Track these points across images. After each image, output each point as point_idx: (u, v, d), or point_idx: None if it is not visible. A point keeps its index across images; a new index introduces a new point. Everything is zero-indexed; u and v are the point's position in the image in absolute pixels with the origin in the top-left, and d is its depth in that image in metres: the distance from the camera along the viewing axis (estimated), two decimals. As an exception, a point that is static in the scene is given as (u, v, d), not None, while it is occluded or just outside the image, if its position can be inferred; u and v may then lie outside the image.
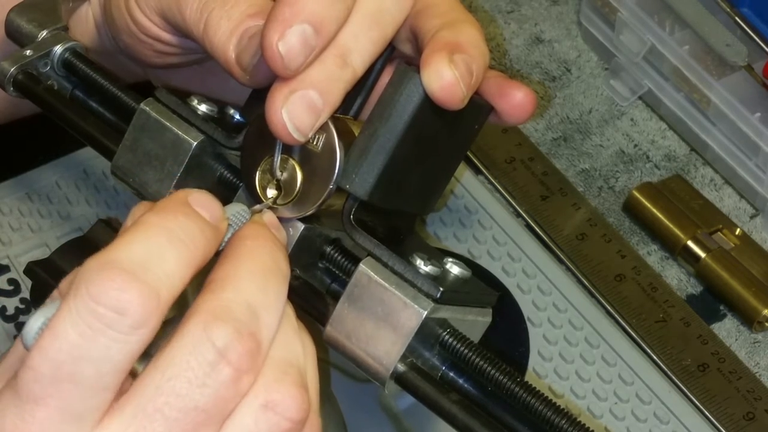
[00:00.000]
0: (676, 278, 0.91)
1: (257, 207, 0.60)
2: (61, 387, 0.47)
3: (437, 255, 0.61)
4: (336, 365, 0.82)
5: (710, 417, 0.84)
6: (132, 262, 0.48)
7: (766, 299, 0.88)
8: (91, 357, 0.47)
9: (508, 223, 0.92)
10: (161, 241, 0.49)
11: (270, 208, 0.62)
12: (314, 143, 0.61)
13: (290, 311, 0.54)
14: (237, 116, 0.68)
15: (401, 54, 0.67)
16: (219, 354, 0.49)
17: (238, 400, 0.50)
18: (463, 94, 0.61)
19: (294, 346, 0.53)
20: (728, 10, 0.96)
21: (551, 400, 0.58)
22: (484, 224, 0.92)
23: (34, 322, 0.49)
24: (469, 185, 0.94)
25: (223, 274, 0.51)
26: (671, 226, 0.92)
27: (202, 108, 0.67)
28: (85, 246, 0.79)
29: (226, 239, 0.54)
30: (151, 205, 0.52)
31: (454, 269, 0.61)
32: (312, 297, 0.63)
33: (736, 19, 0.96)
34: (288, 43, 0.59)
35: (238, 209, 0.57)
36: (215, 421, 0.49)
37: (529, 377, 0.84)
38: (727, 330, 0.89)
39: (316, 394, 0.54)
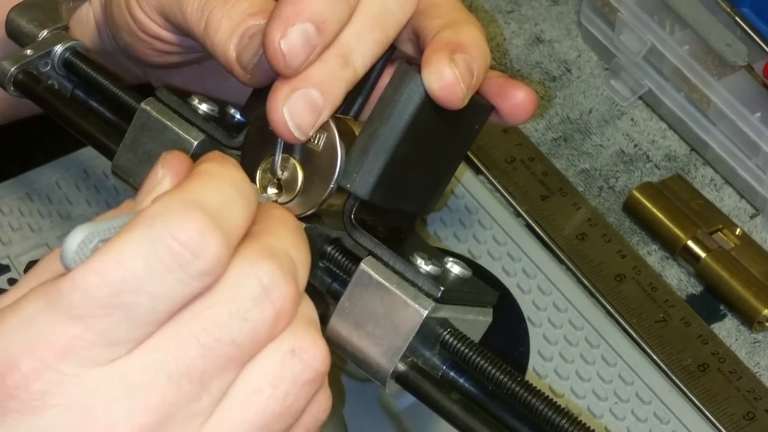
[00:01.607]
0: (676, 278, 0.91)
1: (265, 195, 0.61)
2: (110, 313, 0.46)
3: (438, 255, 0.61)
4: (336, 364, 0.82)
5: (710, 417, 0.84)
6: (212, 207, 0.47)
7: (766, 299, 0.88)
8: (152, 292, 0.46)
9: (508, 223, 0.92)
10: (232, 193, 0.49)
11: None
12: (315, 142, 0.61)
13: None
14: (237, 116, 0.68)
15: (402, 54, 0.67)
16: (264, 291, 0.49)
17: (269, 342, 0.49)
18: (463, 94, 0.61)
19: (314, 312, 0.53)
20: (728, 10, 0.96)
21: (552, 399, 0.58)
22: (484, 224, 0.92)
23: (76, 236, 0.47)
24: (469, 185, 0.94)
25: (262, 228, 0.51)
26: (671, 226, 0.92)
27: (203, 107, 0.67)
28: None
29: None
30: (183, 155, 0.52)
31: (455, 269, 0.61)
32: (312, 297, 0.63)
33: (736, 19, 0.96)
34: (290, 41, 0.59)
35: (255, 188, 0.57)
36: (245, 359, 0.49)
37: (530, 377, 0.84)
38: (727, 330, 0.89)
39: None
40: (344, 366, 0.82)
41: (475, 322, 0.62)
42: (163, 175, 0.51)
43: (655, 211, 0.93)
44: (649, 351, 0.87)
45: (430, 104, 0.61)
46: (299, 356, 0.50)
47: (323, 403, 0.53)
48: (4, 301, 0.49)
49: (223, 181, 0.49)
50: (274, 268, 0.49)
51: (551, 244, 0.92)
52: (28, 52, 0.73)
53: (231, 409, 0.49)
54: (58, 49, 0.73)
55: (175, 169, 0.51)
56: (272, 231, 0.51)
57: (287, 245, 0.51)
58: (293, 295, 0.49)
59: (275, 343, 0.50)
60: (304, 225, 0.62)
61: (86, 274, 0.46)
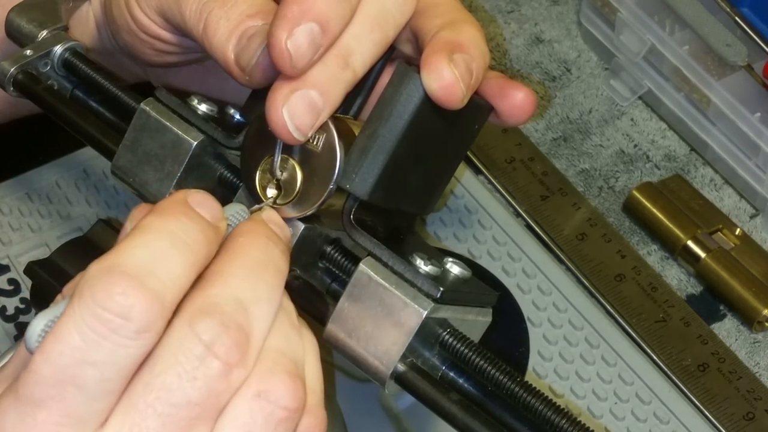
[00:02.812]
0: (676, 278, 0.91)
1: (256, 207, 0.60)
2: (64, 390, 0.47)
3: (437, 255, 0.61)
4: (336, 365, 0.82)
5: (710, 417, 0.84)
6: (136, 266, 0.48)
7: (766, 299, 0.88)
8: (95, 361, 0.47)
9: (508, 223, 0.92)
10: (164, 245, 0.49)
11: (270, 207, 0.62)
12: (314, 143, 0.61)
13: (289, 306, 0.54)
14: (237, 116, 0.68)
15: (402, 54, 0.67)
16: (206, 348, 0.49)
17: (232, 392, 0.50)
18: (462, 94, 0.61)
19: (290, 340, 0.53)
20: (728, 10, 0.96)
21: (551, 399, 0.58)
22: (484, 224, 0.92)
23: (37, 324, 0.49)
24: (469, 185, 0.94)
25: (213, 269, 0.51)
26: (671, 226, 0.92)
27: (202, 108, 0.67)
28: (85, 246, 0.79)
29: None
30: (151, 208, 0.52)
31: (454, 269, 0.61)
32: (312, 297, 0.63)
33: (736, 19, 0.96)
34: (296, 41, 0.59)
35: (237, 209, 0.57)
36: (209, 416, 0.49)
37: (529, 377, 0.84)
38: (727, 330, 0.89)
39: (320, 387, 0.54)
40: (337, 364, 0.82)
41: (474, 322, 0.62)
42: (129, 230, 0.52)
43: (655, 211, 0.93)
44: (649, 351, 0.87)
45: (429, 104, 0.61)
46: (266, 399, 0.50)
47: (313, 428, 0.53)
48: None
49: (157, 236, 0.49)
50: (212, 324, 0.49)
51: (551, 244, 0.92)
52: (28, 52, 0.73)
53: None
54: (58, 49, 0.73)
55: None
56: (222, 274, 0.51)
57: (236, 288, 0.51)
58: (238, 345, 0.49)
59: (241, 390, 0.50)
60: (303, 226, 0.62)
61: (35, 358, 0.48)
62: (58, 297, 0.52)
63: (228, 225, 0.54)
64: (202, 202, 0.52)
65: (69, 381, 0.47)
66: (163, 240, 0.49)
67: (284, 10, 0.59)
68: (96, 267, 0.48)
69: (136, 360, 0.48)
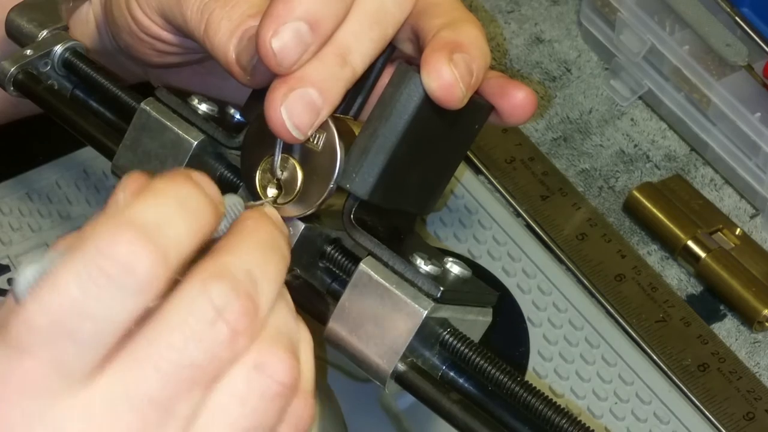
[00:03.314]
0: (676, 278, 0.91)
1: (252, 203, 0.60)
2: (56, 341, 0.46)
3: (437, 255, 0.61)
4: (336, 365, 0.82)
5: (710, 417, 0.84)
6: (145, 222, 0.47)
7: (766, 299, 0.88)
8: (92, 314, 0.46)
9: (508, 223, 0.92)
10: (172, 207, 0.48)
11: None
12: (314, 142, 0.61)
13: (287, 295, 0.54)
14: (237, 116, 0.68)
15: (402, 54, 0.67)
16: (217, 312, 0.48)
17: (232, 361, 0.49)
18: (462, 94, 0.61)
19: (288, 323, 0.52)
20: (728, 10, 0.96)
21: (551, 399, 0.58)
22: (484, 224, 0.92)
23: (28, 272, 0.47)
24: (469, 185, 0.94)
25: (223, 244, 0.51)
26: (671, 226, 0.92)
27: (203, 108, 0.67)
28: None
29: (221, 228, 0.54)
30: (146, 175, 0.51)
31: (455, 269, 0.61)
32: (312, 296, 0.63)
33: (736, 19, 0.96)
34: (281, 39, 0.59)
35: (234, 200, 0.56)
36: (207, 381, 0.49)
37: (529, 377, 0.84)
38: (727, 330, 0.89)
39: (312, 377, 0.54)
40: (337, 364, 0.82)
41: (474, 322, 0.62)
42: (123, 197, 0.51)
43: (655, 211, 0.93)
44: (649, 351, 0.87)
45: (429, 104, 0.61)
46: (263, 371, 0.50)
47: (303, 412, 0.52)
48: None
49: (165, 197, 0.49)
50: (225, 288, 0.49)
51: (551, 244, 0.92)
52: (28, 52, 0.73)
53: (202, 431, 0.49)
54: (58, 49, 0.73)
55: (134, 190, 0.51)
56: (234, 247, 0.51)
57: (248, 261, 0.50)
58: (249, 313, 0.49)
59: (240, 360, 0.50)
60: (303, 225, 0.62)
61: (27, 305, 0.46)
62: (50, 249, 0.50)
63: (224, 215, 0.54)
64: (204, 181, 0.51)
65: (63, 332, 0.46)
66: (171, 203, 0.48)
67: (271, 9, 0.60)
68: (102, 219, 0.47)
69: (132, 316, 0.47)
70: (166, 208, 0.48)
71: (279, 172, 0.62)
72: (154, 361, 0.47)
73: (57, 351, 0.46)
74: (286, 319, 0.52)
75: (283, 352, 0.51)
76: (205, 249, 0.50)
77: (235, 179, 0.66)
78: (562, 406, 0.58)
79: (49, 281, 0.46)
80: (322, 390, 0.55)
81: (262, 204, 0.61)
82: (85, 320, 0.46)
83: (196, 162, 0.66)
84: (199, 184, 0.50)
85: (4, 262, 0.90)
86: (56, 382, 0.46)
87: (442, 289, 0.59)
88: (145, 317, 0.48)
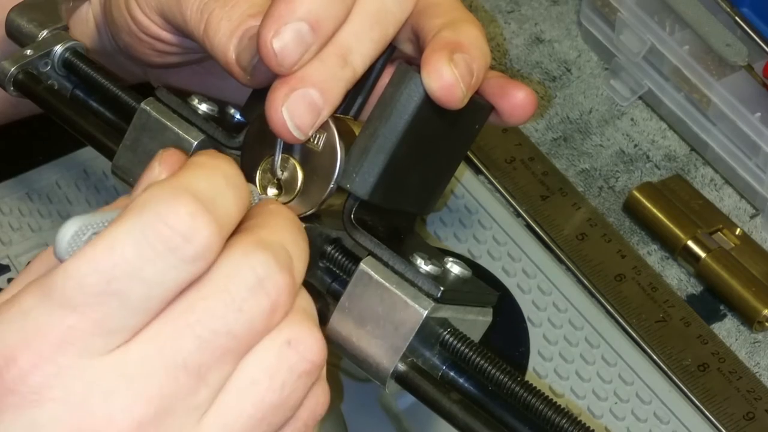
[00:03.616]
0: (676, 278, 0.91)
1: (263, 196, 0.61)
2: (104, 301, 0.46)
3: (437, 254, 0.61)
4: (336, 365, 0.82)
5: (710, 417, 0.84)
6: (202, 192, 0.47)
7: (766, 299, 0.88)
8: (144, 278, 0.46)
9: (508, 223, 0.92)
10: (221, 182, 0.49)
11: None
12: (315, 142, 0.61)
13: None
14: (237, 116, 0.68)
15: (402, 54, 0.67)
16: (259, 281, 0.48)
17: (265, 334, 0.49)
18: (462, 94, 0.61)
19: (312, 305, 0.53)
20: (728, 10, 0.96)
21: (552, 399, 0.58)
22: (484, 224, 0.92)
23: (69, 227, 0.47)
24: (469, 185, 0.94)
25: (255, 222, 0.51)
26: (671, 226, 0.92)
27: (203, 108, 0.67)
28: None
29: None
30: (179, 152, 0.52)
31: (455, 269, 0.61)
32: (312, 296, 0.63)
33: (736, 19, 0.96)
34: (282, 40, 0.59)
35: (252, 188, 0.57)
36: (241, 351, 0.49)
37: (530, 377, 0.84)
38: (727, 330, 0.89)
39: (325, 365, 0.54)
40: (341, 364, 0.82)
41: (475, 322, 0.62)
42: (160, 171, 0.51)
43: (655, 211, 0.93)
44: (649, 351, 0.87)
45: (429, 104, 0.61)
46: (295, 347, 0.50)
47: (321, 397, 0.53)
48: (0, 299, 0.49)
49: (214, 172, 0.49)
50: (268, 259, 0.49)
51: (551, 244, 0.92)
52: (28, 52, 0.73)
53: (229, 402, 0.49)
54: (58, 49, 0.73)
55: (171, 165, 0.51)
56: (268, 224, 0.51)
57: (283, 238, 0.51)
58: (289, 286, 0.49)
59: (272, 334, 0.50)
60: (304, 225, 0.62)
61: (78, 263, 0.46)
62: (104, 209, 0.50)
63: None
64: (232, 162, 0.52)
65: (113, 293, 0.46)
66: (220, 177, 0.49)
67: (272, 9, 0.60)
68: (161, 186, 0.47)
69: (182, 285, 0.47)
70: (218, 181, 0.49)
71: (279, 172, 0.62)
72: (193, 326, 0.48)
73: (104, 311, 0.46)
74: (309, 301, 0.53)
75: (315, 329, 0.51)
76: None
77: (236, 179, 0.66)
78: (562, 406, 0.57)
79: (105, 242, 0.46)
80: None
81: (275, 199, 0.62)
82: (137, 283, 0.46)
83: (197, 162, 0.66)
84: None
85: (4, 262, 0.90)
86: (96, 341, 0.47)
87: (442, 289, 0.59)
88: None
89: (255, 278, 0.48)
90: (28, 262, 0.77)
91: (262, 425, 0.50)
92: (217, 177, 0.49)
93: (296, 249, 0.51)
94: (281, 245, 0.50)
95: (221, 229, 0.47)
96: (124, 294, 0.46)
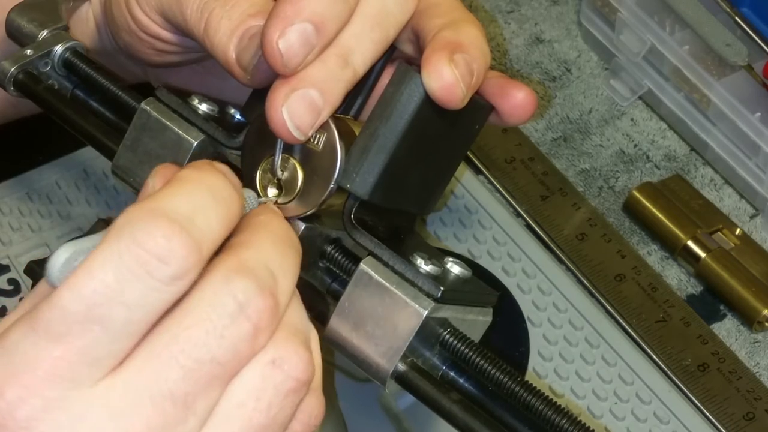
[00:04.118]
0: (676, 278, 0.91)
1: (264, 198, 0.61)
2: (88, 328, 0.46)
3: (438, 255, 0.61)
4: (336, 365, 0.82)
5: (710, 417, 0.84)
6: (179, 212, 0.47)
7: (766, 299, 0.88)
8: (125, 302, 0.46)
9: (508, 223, 0.92)
10: (205, 197, 0.49)
11: (271, 207, 0.62)
12: (315, 142, 0.61)
13: (297, 293, 0.54)
14: (237, 116, 0.68)
15: (402, 54, 0.67)
16: (240, 307, 0.48)
17: (251, 357, 0.49)
18: (463, 94, 0.61)
19: (303, 319, 0.53)
20: (728, 10, 0.96)
21: (551, 399, 0.58)
22: (484, 224, 0.92)
23: (61, 254, 0.48)
24: (469, 185, 0.94)
25: (240, 239, 0.51)
26: (671, 226, 0.92)
27: (203, 107, 0.67)
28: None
29: None
30: (175, 167, 0.52)
31: (455, 269, 0.61)
32: (312, 297, 0.63)
33: (736, 19, 0.96)
34: (288, 40, 0.59)
35: (249, 194, 0.57)
36: (227, 377, 0.49)
37: (529, 377, 0.84)
38: (727, 330, 0.89)
39: (320, 374, 0.54)
40: (335, 361, 0.82)
41: (475, 322, 0.62)
42: (153, 186, 0.51)
43: (655, 211, 0.93)
44: (649, 351, 0.87)
45: (430, 104, 0.61)
46: (280, 367, 0.50)
47: (314, 409, 0.53)
48: None
49: (196, 187, 0.49)
50: (248, 284, 0.49)
51: (551, 244, 0.92)
52: (28, 52, 0.73)
53: (217, 427, 0.49)
54: (58, 49, 0.73)
55: (165, 180, 0.51)
56: (252, 242, 0.51)
57: (267, 257, 0.51)
58: (270, 309, 0.49)
59: (257, 356, 0.50)
60: (304, 225, 0.62)
61: (61, 292, 0.47)
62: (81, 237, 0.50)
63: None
64: (227, 171, 0.52)
65: (96, 319, 0.46)
66: (203, 192, 0.49)
67: (278, 9, 0.60)
68: (138, 208, 0.47)
69: (164, 306, 0.47)
70: (199, 197, 0.49)
71: (279, 172, 0.62)
72: (176, 356, 0.48)
73: (88, 338, 0.46)
74: (300, 315, 0.53)
75: (299, 347, 0.51)
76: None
77: (236, 179, 0.66)
78: (562, 406, 0.57)
79: (85, 269, 0.47)
80: (324, 391, 0.55)
81: (273, 201, 0.61)
82: (118, 307, 0.46)
83: (197, 162, 0.66)
84: (225, 174, 0.50)
85: (4, 262, 0.90)
86: (83, 371, 0.47)
87: (442, 289, 0.59)
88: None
89: (235, 304, 0.48)
90: (29, 263, 0.78)
91: None
92: (198, 193, 0.49)
93: (282, 265, 0.51)
94: (264, 266, 0.50)
95: (200, 248, 0.47)
96: (106, 319, 0.46)
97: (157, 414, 0.47)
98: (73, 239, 0.49)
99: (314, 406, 0.53)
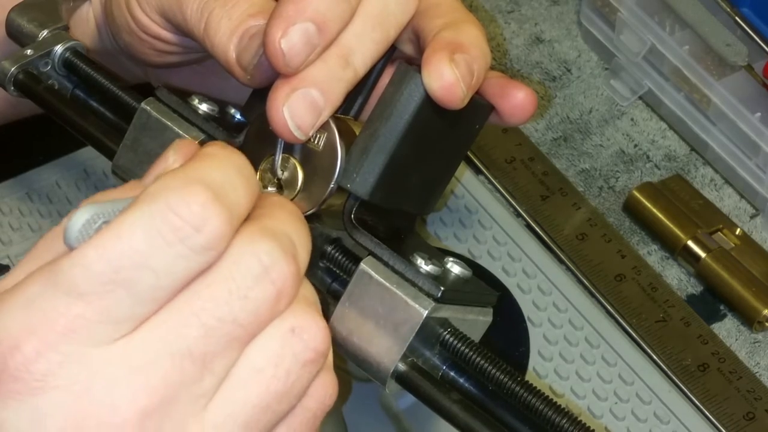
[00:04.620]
0: (676, 278, 0.91)
1: (266, 190, 0.61)
2: (112, 290, 0.46)
3: (438, 254, 0.61)
4: (336, 365, 0.81)
5: (710, 417, 0.84)
6: (215, 184, 0.47)
7: (766, 299, 0.88)
8: (153, 267, 0.46)
9: (508, 223, 0.92)
10: (233, 172, 0.49)
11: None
12: (315, 142, 0.61)
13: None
14: (238, 116, 0.68)
15: (403, 54, 0.67)
16: (264, 269, 0.48)
17: (270, 321, 0.49)
18: (463, 94, 0.61)
19: (314, 294, 0.53)
20: (728, 10, 0.96)
21: (552, 399, 0.58)
22: (484, 224, 0.92)
23: (81, 215, 0.47)
24: (469, 185, 0.94)
25: (260, 212, 0.51)
26: (671, 226, 0.92)
27: (203, 107, 0.67)
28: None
29: None
30: (194, 143, 0.52)
31: (455, 269, 0.61)
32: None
33: (736, 19, 0.96)
34: (290, 40, 0.59)
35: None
36: (246, 339, 0.49)
37: (530, 377, 0.84)
38: (727, 330, 0.89)
39: (331, 357, 0.54)
40: (344, 365, 0.82)
41: (475, 322, 0.62)
42: (174, 160, 0.51)
43: (655, 211, 0.93)
44: (649, 351, 0.87)
45: (430, 104, 0.61)
46: (299, 335, 0.50)
47: (329, 387, 0.52)
48: (4, 285, 0.49)
49: (226, 162, 0.49)
50: (273, 247, 0.49)
51: (551, 244, 0.92)
52: (29, 52, 0.73)
53: (233, 390, 0.49)
54: (58, 49, 0.73)
55: (186, 155, 0.51)
56: (272, 214, 0.51)
57: (287, 227, 0.50)
58: (294, 274, 0.49)
59: (276, 322, 0.49)
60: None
61: (86, 251, 0.46)
62: (112, 192, 0.50)
63: None
64: (241, 153, 0.52)
65: (121, 282, 0.46)
66: (231, 168, 0.49)
67: (280, 9, 0.60)
68: (173, 175, 0.47)
69: (192, 274, 0.47)
70: (229, 172, 0.49)
71: (280, 172, 0.62)
72: (198, 314, 0.47)
73: (111, 300, 0.46)
74: (312, 291, 0.53)
75: (318, 318, 0.51)
76: None
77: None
78: (562, 406, 0.57)
79: (113, 231, 0.46)
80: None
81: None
82: (146, 272, 0.46)
83: (197, 162, 0.66)
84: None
85: (4, 262, 0.90)
86: (102, 330, 0.46)
87: (442, 289, 0.59)
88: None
89: (260, 266, 0.48)
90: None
91: (267, 413, 0.50)
92: (228, 167, 0.49)
93: (300, 239, 0.51)
94: (286, 234, 0.50)
95: (232, 219, 0.47)
96: (132, 283, 0.46)
97: (174, 370, 0.47)
98: (95, 203, 0.48)
99: (329, 383, 0.52)
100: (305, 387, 0.51)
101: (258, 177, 0.63)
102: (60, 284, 0.46)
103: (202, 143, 0.66)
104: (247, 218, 0.50)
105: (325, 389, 0.52)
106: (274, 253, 0.49)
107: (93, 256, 0.46)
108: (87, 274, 0.46)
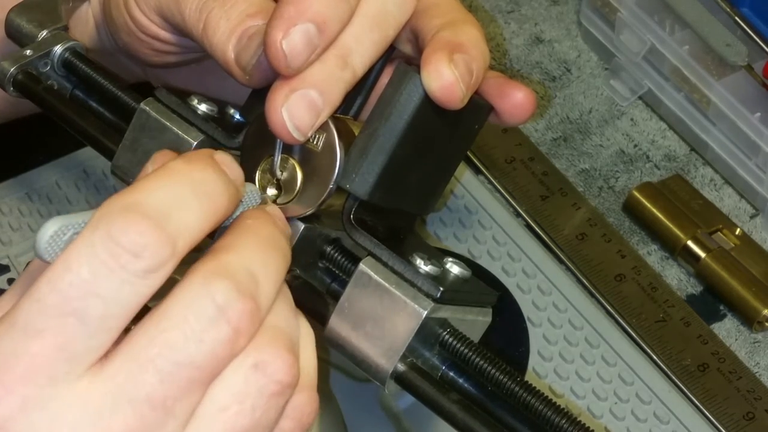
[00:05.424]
0: (676, 278, 0.91)
1: (264, 195, 0.61)
2: (65, 322, 0.46)
3: (437, 255, 0.61)
4: (336, 365, 0.82)
5: (710, 417, 0.84)
6: (155, 208, 0.47)
7: (766, 299, 0.88)
8: (101, 295, 0.46)
9: (508, 223, 0.92)
10: (186, 191, 0.49)
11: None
12: (314, 143, 0.61)
13: (288, 293, 0.54)
14: (237, 116, 0.68)
15: (402, 54, 0.67)
16: (219, 310, 0.48)
17: (230, 360, 0.49)
18: (462, 94, 0.61)
19: (288, 320, 0.52)
20: (728, 10, 0.96)
21: (551, 399, 0.58)
22: (484, 224, 0.92)
23: (48, 228, 0.48)
24: (469, 185, 0.94)
25: (224, 243, 0.51)
26: (671, 226, 0.92)
27: (202, 108, 0.67)
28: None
29: (234, 215, 0.54)
30: (175, 154, 0.52)
31: (454, 269, 0.61)
32: (312, 297, 0.63)
33: (736, 19, 0.96)
34: (292, 41, 0.59)
35: (251, 188, 0.57)
36: (207, 380, 0.49)
37: (529, 377, 0.84)
38: (727, 330, 0.89)
39: (314, 372, 0.54)
40: (337, 364, 0.82)
41: (474, 322, 0.62)
42: (152, 172, 0.51)
43: (655, 211, 0.93)
44: (649, 351, 0.87)
45: (429, 104, 0.61)
46: (262, 370, 0.50)
47: (306, 407, 0.53)
48: None
49: (178, 181, 0.49)
50: (228, 287, 0.49)
51: (551, 244, 0.92)
52: (28, 52, 0.73)
53: (200, 430, 0.49)
54: (58, 49, 0.73)
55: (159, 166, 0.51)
56: (235, 246, 0.51)
57: (249, 260, 0.50)
58: (250, 312, 0.49)
59: (238, 359, 0.50)
60: (303, 225, 0.62)
61: (39, 285, 0.47)
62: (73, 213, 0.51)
63: (240, 200, 0.54)
64: (227, 162, 0.52)
65: (72, 312, 0.46)
66: (186, 186, 0.49)
67: (281, 10, 0.60)
68: (115, 201, 0.48)
69: (140, 300, 0.47)
70: (179, 191, 0.49)
71: (279, 173, 0.62)
72: (153, 360, 0.48)
73: (65, 333, 0.46)
74: (285, 317, 0.52)
75: (282, 350, 0.51)
76: (212, 234, 0.51)
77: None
78: (562, 406, 0.57)
79: (62, 261, 0.47)
80: (321, 390, 0.55)
81: (273, 199, 0.61)
82: (94, 301, 0.46)
83: (196, 162, 0.66)
84: (220, 165, 0.50)
85: (4, 262, 0.90)
86: (61, 367, 0.47)
87: (441, 289, 0.59)
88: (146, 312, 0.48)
89: (214, 307, 0.48)
90: (29, 263, 0.78)
91: None
92: (179, 187, 0.49)
93: (265, 269, 0.51)
94: (246, 269, 0.50)
95: (173, 242, 0.47)
96: (83, 312, 0.46)
97: (135, 417, 0.47)
98: (61, 216, 0.49)
99: (306, 403, 0.52)
100: (274, 418, 0.51)
101: (257, 178, 0.63)
102: (18, 323, 0.47)
103: (201, 144, 0.66)
104: (210, 250, 0.50)
105: (301, 410, 0.52)
106: (228, 292, 0.49)
107: (45, 289, 0.47)
108: (41, 308, 0.46)
